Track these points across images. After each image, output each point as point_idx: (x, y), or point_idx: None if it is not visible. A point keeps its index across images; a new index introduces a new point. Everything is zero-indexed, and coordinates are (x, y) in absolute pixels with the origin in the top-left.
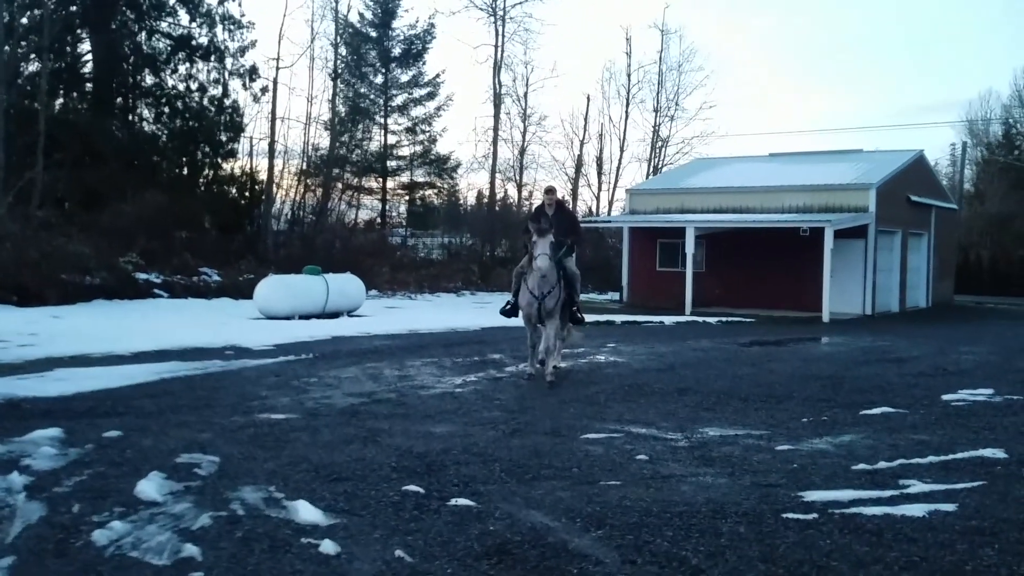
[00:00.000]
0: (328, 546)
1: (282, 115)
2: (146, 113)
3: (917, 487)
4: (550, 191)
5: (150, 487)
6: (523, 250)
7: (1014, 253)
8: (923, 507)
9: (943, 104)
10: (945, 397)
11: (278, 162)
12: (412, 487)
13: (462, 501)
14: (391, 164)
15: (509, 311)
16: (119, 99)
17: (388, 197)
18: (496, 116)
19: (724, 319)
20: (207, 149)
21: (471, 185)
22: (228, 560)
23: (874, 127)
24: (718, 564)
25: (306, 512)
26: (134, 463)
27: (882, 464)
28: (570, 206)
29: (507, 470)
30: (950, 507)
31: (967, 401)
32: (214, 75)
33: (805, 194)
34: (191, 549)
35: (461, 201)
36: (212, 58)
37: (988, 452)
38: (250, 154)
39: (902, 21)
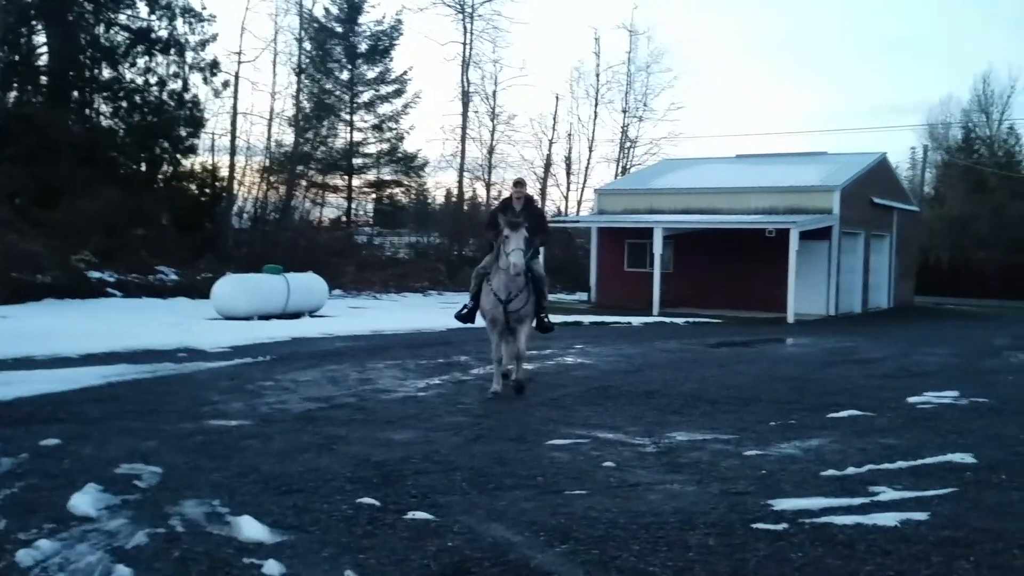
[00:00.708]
0: (272, 567)
1: (244, 110)
2: (104, 107)
3: (888, 494)
4: (519, 184)
5: (84, 501)
6: (488, 247)
7: (973, 255)
8: (895, 516)
9: (904, 108)
10: (911, 399)
11: (240, 158)
12: (367, 499)
13: (420, 514)
14: (357, 162)
15: (466, 315)
16: (76, 93)
17: (354, 195)
18: (464, 114)
19: (691, 320)
20: (166, 145)
21: (439, 184)
22: None
23: (837, 130)
24: None
25: (250, 529)
26: (70, 474)
27: (851, 470)
28: (539, 204)
29: (469, 479)
30: (922, 515)
31: (933, 404)
32: (174, 69)
33: (771, 195)
34: (123, 571)
35: (429, 200)
36: (172, 51)
37: (957, 457)
38: (211, 150)
39: (865, 26)
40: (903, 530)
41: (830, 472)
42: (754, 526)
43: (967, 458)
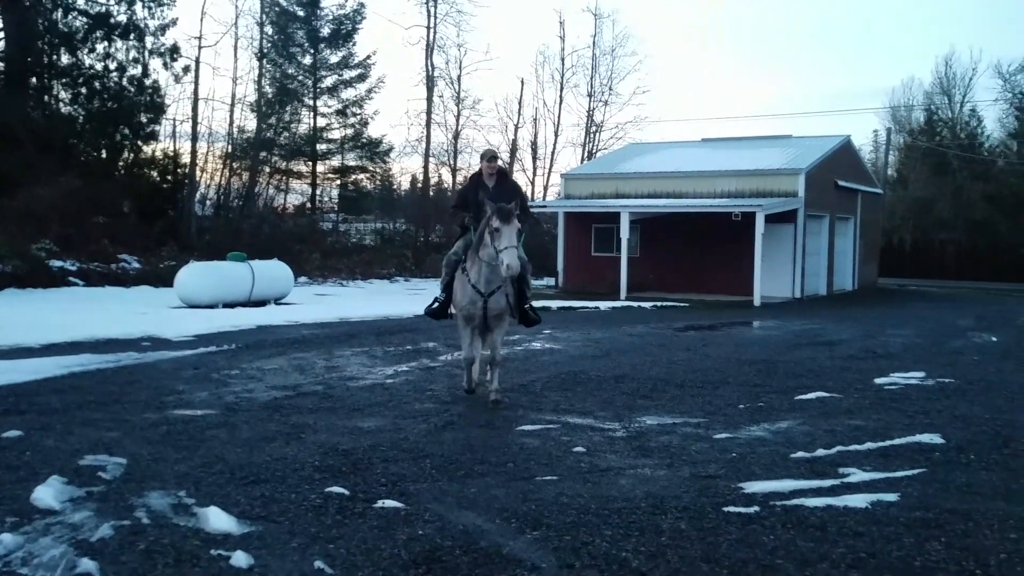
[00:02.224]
0: (240, 558)
1: (205, 96)
2: (62, 94)
3: (858, 476)
4: (491, 157)
5: (48, 494)
6: (459, 232)
7: (935, 237)
8: (865, 497)
9: (867, 91)
10: (878, 381)
11: (202, 145)
12: (336, 488)
13: (389, 503)
14: (321, 148)
15: (437, 310)
16: (33, 79)
17: (318, 181)
18: (429, 99)
19: (658, 304)
20: (126, 131)
21: (404, 169)
22: None
23: (802, 113)
24: (660, 566)
25: (217, 520)
26: (32, 466)
27: (820, 451)
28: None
29: (439, 467)
30: (892, 497)
31: (899, 385)
32: (133, 54)
33: (737, 179)
34: (88, 564)
35: (394, 186)
36: (131, 36)
37: (925, 437)
38: (172, 136)
39: (829, 9)
40: (873, 511)
41: (800, 454)
42: (725, 509)
43: (935, 439)
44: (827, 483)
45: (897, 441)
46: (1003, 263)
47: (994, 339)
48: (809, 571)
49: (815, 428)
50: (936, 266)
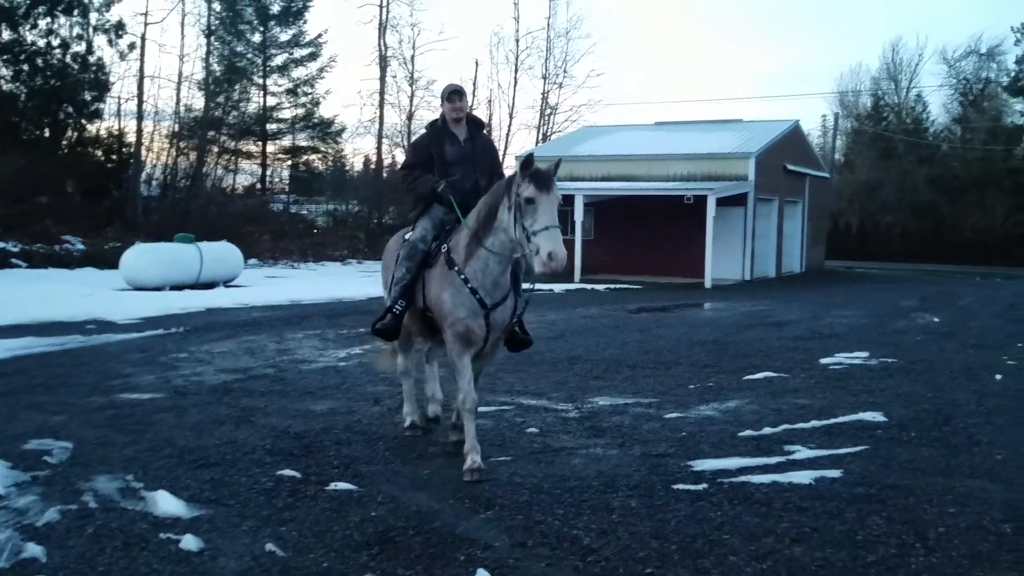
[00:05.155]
0: (190, 541)
1: (152, 74)
2: (3, 71)
3: (803, 453)
4: (456, 93)
5: None
6: (418, 207)
7: (880, 220)
8: (810, 474)
9: (815, 76)
10: (823, 361)
11: (148, 123)
12: (287, 471)
13: (342, 485)
14: (271, 127)
15: (391, 325)
16: None
17: (269, 162)
18: (382, 79)
19: (612, 286)
20: (70, 109)
21: (357, 150)
22: (76, 560)
23: (752, 97)
24: (610, 543)
25: (166, 503)
26: None
27: (767, 430)
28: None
29: (392, 449)
30: (836, 473)
31: (844, 364)
32: (77, 31)
33: (689, 162)
34: (34, 549)
35: (347, 167)
36: (75, 12)
37: (868, 416)
38: (117, 115)
39: None
40: (817, 487)
41: (747, 432)
42: (675, 487)
43: (878, 417)
44: (773, 460)
45: (841, 419)
46: (946, 245)
47: (936, 320)
48: (755, 545)
49: (763, 407)
50: (882, 249)
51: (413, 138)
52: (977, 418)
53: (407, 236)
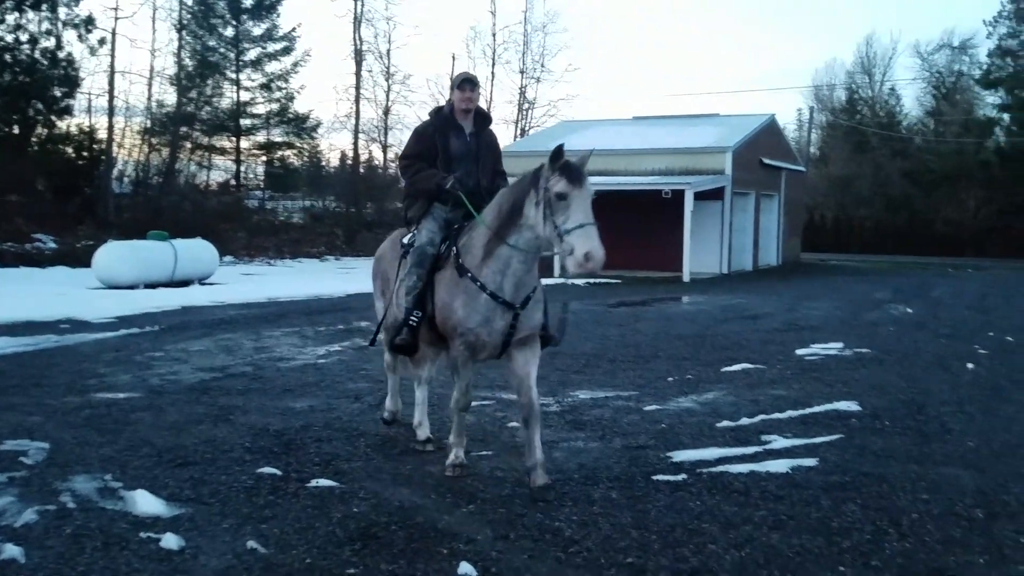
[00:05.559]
0: (170, 540)
1: (123, 69)
2: None
3: (779, 442)
4: (470, 82)
5: None
6: (419, 205)
7: (854, 213)
8: (786, 463)
9: (791, 71)
10: (799, 352)
11: (119, 120)
12: (268, 469)
13: (323, 482)
14: (245, 123)
15: (409, 340)
16: None
17: (243, 158)
18: (358, 74)
19: (591, 281)
20: (40, 106)
21: (333, 146)
22: (55, 561)
23: (730, 92)
24: (591, 534)
25: (146, 503)
26: None
27: (745, 420)
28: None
29: (373, 445)
30: (811, 462)
31: (820, 355)
32: (46, 26)
33: (667, 157)
34: (12, 550)
35: (323, 163)
36: (43, 7)
37: (843, 405)
38: (88, 111)
39: None
40: (794, 476)
41: (725, 423)
42: (654, 478)
43: (852, 406)
44: (750, 450)
45: (816, 409)
46: (919, 238)
47: (909, 311)
48: (733, 533)
49: (740, 398)
50: (856, 241)
51: (417, 124)
52: (949, 407)
53: (409, 240)
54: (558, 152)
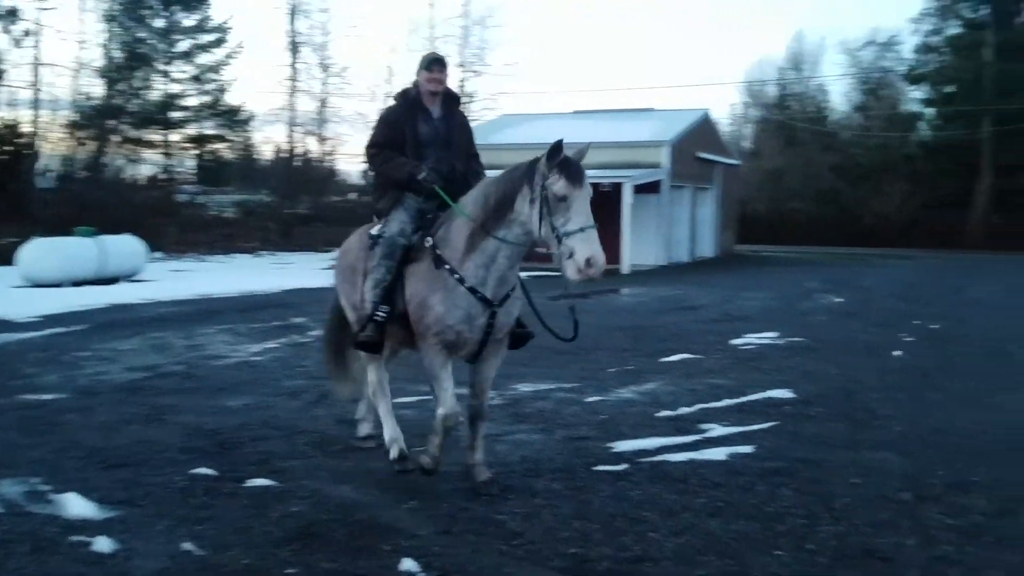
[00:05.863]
0: (103, 543)
1: (48, 61)
2: None
3: (717, 431)
4: (441, 63)
5: None
6: (381, 192)
7: (786, 205)
8: (724, 450)
9: (724, 66)
10: (734, 342)
11: (44, 113)
12: (203, 469)
13: (261, 481)
14: (175, 115)
15: (375, 336)
16: None
17: (173, 151)
18: (293, 65)
19: (532, 274)
20: None
21: (268, 139)
22: None
23: (665, 86)
24: (534, 525)
25: (76, 506)
26: None
27: (683, 410)
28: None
29: (312, 443)
30: (748, 449)
31: (754, 345)
32: None
33: (607, 151)
34: None
35: (256, 156)
36: None
37: (777, 393)
38: (11, 104)
39: None
40: (731, 463)
41: (664, 413)
42: (596, 468)
43: (786, 394)
44: (689, 439)
45: (752, 397)
46: (849, 229)
47: (839, 300)
48: (673, 521)
49: (679, 388)
50: (788, 233)
51: (383, 110)
52: (878, 393)
53: (377, 231)
54: (557, 147)
